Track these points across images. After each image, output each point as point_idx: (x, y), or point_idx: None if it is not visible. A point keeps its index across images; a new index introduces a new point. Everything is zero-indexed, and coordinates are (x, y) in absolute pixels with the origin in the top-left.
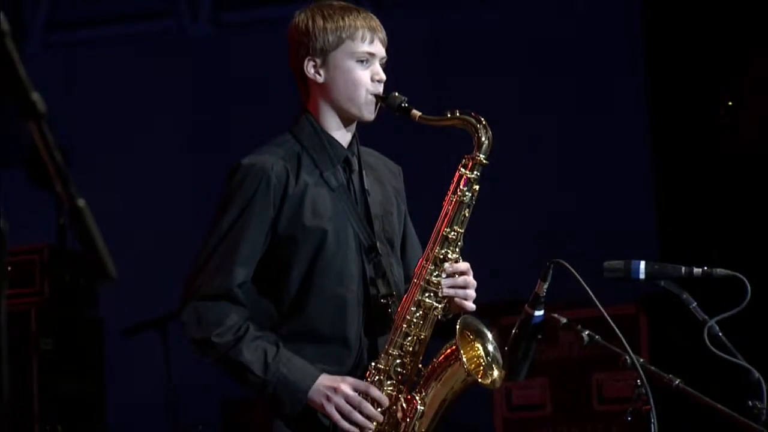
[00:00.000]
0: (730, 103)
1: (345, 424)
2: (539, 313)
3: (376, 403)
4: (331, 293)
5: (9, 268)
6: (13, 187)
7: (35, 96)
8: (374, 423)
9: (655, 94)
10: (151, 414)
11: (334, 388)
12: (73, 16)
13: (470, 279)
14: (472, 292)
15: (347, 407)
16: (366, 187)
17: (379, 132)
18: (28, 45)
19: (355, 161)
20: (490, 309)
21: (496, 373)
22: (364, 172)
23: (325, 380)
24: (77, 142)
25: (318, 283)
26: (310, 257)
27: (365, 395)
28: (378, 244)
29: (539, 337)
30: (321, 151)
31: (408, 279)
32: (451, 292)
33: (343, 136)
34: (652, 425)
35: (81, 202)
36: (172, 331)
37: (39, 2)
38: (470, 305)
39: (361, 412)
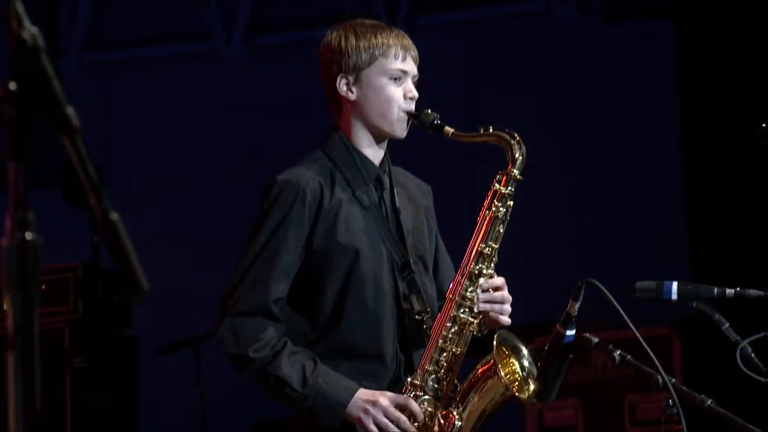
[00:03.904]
0: (765, 124)
1: None
2: (571, 332)
3: (412, 417)
4: (365, 310)
5: (43, 287)
6: (48, 206)
7: (69, 110)
8: None
9: (688, 112)
10: None
11: (373, 402)
12: (109, 36)
13: (506, 294)
14: (507, 307)
15: (385, 421)
16: (397, 205)
17: (412, 148)
18: (65, 64)
19: (386, 179)
20: (522, 329)
21: (532, 387)
22: (395, 190)
23: (363, 394)
24: (113, 161)
25: (352, 301)
26: (344, 274)
27: (404, 408)
28: (411, 262)
29: (570, 357)
30: (353, 170)
31: (441, 296)
32: (487, 307)
33: (374, 153)
34: None
35: (114, 216)
36: (206, 350)
37: (76, 22)
38: (506, 320)
39: (398, 427)
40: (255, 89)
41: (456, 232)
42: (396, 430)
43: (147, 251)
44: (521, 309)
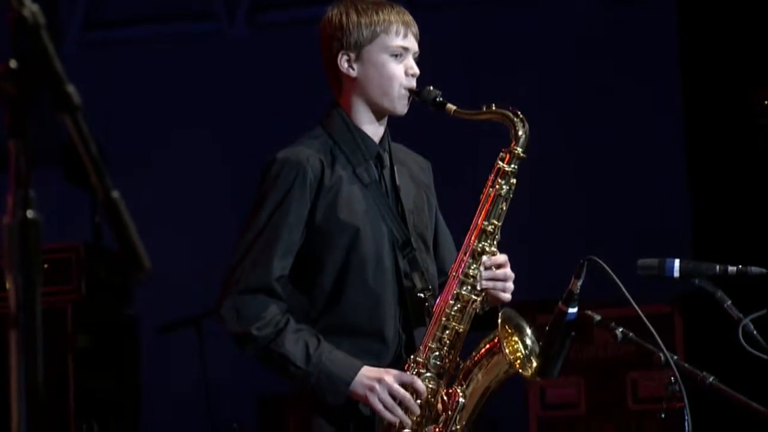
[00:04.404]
0: (766, 102)
1: (389, 416)
2: (573, 310)
3: (415, 394)
4: (366, 288)
5: (45, 266)
6: (50, 186)
7: (70, 88)
8: (413, 416)
9: (689, 91)
10: (187, 412)
11: (378, 379)
12: (110, 16)
13: (508, 271)
14: (510, 285)
15: (390, 400)
16: (398, 183)
17: (413, 126)
18: (65, 44)
19: (386, 157)
20: (524, 307)
21: (535, 364)
22: (395, 168)
23: (367, 372)
24: (113, 141)
25: (353, 279)
26: (345, 252)
27: (408, 386)
28: (412, 240)
29: (573, 334)
30: (353, 147)
31: (442, 273)
32: (490, 284)
33: (374, 130)
34: (686, 423)
35: (115, 194)
36: (208, 328)
37: (76, 2)
38: (507, 297)
39: (401, 404)
40: (258, 68)
41: (459, 210)
42: (400, 411)
43: (148, 230)
44: (523, 286)
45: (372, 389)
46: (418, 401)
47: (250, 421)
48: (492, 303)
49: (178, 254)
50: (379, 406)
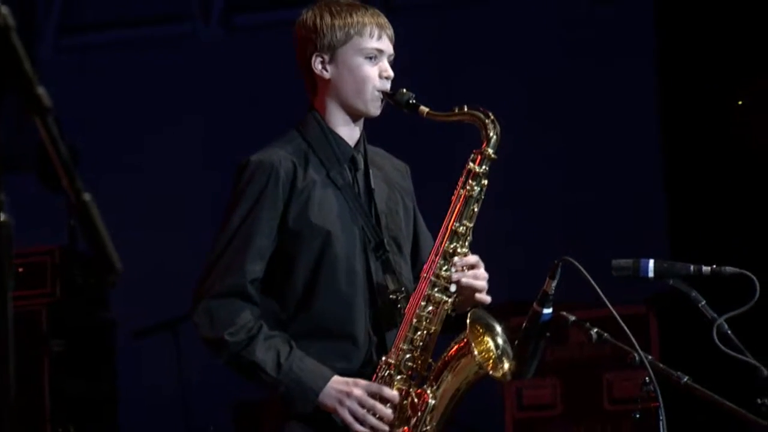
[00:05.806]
0: (740, 102)
1: (359, 428)
2: (548, 311)
3: (387, 401)
4: (337, 291)
5: (20, 269)
6: (25, 190)
7: (40, 90)
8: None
9: (666, 91)
10: (163, 416)
11: (347, 393)
12: (85, 19)
13: (480, 272)
14: (483, 284)
15: (361, 411)
16: (372, 186)
17: (388, 128)
18: (41, 48)
19: (360, 159)
20: (498, 308)
21: (506, 365)
22: (370, 171)
23: (336, 383)
24: (89, 145)
25: (324, 281)
26: (316, 255)
27: (378, 396)
28: (385, 241)
29: (548, 335)
30: (327, 150)
31: (419, 276)
32: (463, 281)
33: (349, 133)
34: (661, 423)
35: (87, 196)
36: (184, 332)
37: (51, 5)
38: (484, 297)
39: (374, 415)
40: (233, 71)
41: (435, 213)
42: (373, 419)
43: (123, 234)
44: (497, 287)
45: (341, 402)
46: (388, 404)
47: (227, 425)
48: (468, 304)
49: (154, 258)
50: (349, 419)
